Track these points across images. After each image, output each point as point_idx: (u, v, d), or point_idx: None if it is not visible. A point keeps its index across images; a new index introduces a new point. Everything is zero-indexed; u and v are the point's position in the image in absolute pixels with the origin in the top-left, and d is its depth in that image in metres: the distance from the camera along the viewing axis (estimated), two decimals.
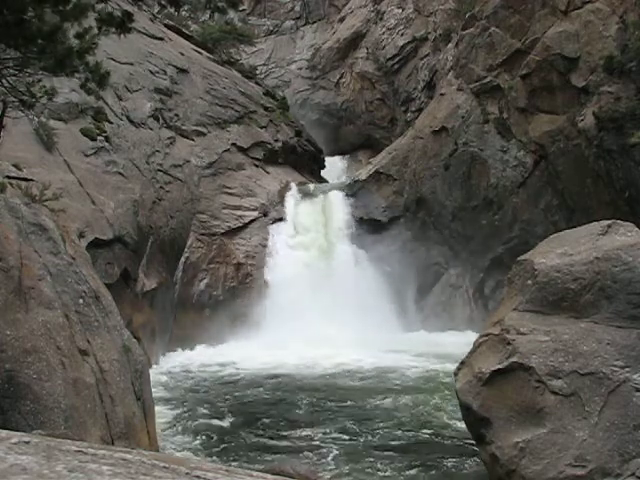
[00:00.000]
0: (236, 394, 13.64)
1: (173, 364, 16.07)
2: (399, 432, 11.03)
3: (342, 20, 32.54)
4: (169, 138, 19.27)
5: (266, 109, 23.63)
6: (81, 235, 12.57)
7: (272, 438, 11.00)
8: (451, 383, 8.98)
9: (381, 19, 30.00)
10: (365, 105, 30.49)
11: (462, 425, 8.99)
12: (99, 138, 16.64)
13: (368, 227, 20.43)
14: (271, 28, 37.57)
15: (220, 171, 20.23)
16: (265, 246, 19.69)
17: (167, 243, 17.74)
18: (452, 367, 8.85)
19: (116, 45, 17.73)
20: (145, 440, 8.36)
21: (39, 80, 8.53)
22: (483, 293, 19.08)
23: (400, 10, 29.29)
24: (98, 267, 12.80)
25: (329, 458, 9.98)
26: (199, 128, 20.43)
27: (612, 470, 6.89)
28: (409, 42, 28.52)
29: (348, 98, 30.94)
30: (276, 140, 22.62)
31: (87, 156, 16.11)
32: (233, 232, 19.52)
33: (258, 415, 12.21)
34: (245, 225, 19.79)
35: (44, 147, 15.12)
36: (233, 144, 21.10)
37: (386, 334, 17.39)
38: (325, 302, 18.05)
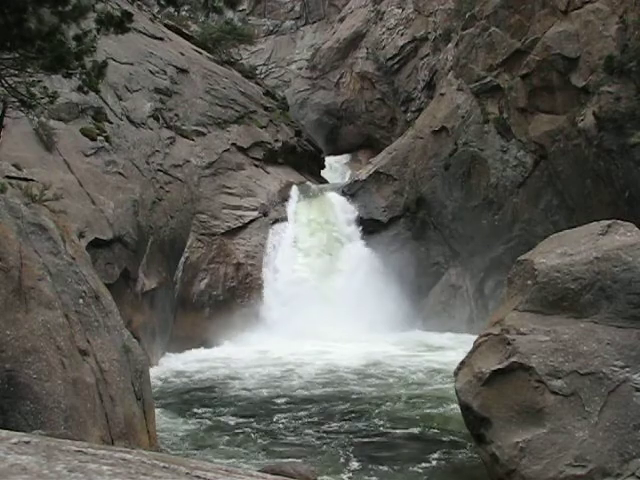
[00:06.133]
0: (236, 394, 13.64)
1: (173, 364, 16.07)
2: (398, 431, 11.04)
3: (342, 20, 32.54)
4: (169, 138, 19.28)
5: (266, 109, 23.63)
6: (81, 235, 12.59)
7: (272, 438, 11.00)
8: (451, 383, 8.97)
9: (381, 19, 29.99)
10: (365, 105, 30.48)
11: (462, 425, 8.99)
12: (99, 138, 16.64)
13: (368, 227, 20.44)
14: (271, 28, 37.63)
15: (220, 171, 20.23)
16: (265, 246, 19.70)
17: (167, 243, 17.75)
18: (452, 367, 8.85)
19: (116, 45, 17.75)
20: (145, 440, 8.36)
21: (39, 81, 8.51)
22: (483, 293, 19.06)
23: (400, 10, 29.27)
24: (98, 267, 12.80)
25: (329, 458, 9.98)
26: (199, 128, 20.43)
27: (612, 470, 6.90)
28: (409, 42, 28.51)
29: (348, 98, 30.93)
30: (276, 140, 22.61)
31: (87, 156, 16.12)
32: (233, 232, 19.52)
33: (258, 415, 12.21)
34: (245, 225, 19.79)
35: (44, 147, 15.12)
36: (233, 144, 21.10)
37: (386, 333, 17.41)
38: (325, 302, 18.09)
